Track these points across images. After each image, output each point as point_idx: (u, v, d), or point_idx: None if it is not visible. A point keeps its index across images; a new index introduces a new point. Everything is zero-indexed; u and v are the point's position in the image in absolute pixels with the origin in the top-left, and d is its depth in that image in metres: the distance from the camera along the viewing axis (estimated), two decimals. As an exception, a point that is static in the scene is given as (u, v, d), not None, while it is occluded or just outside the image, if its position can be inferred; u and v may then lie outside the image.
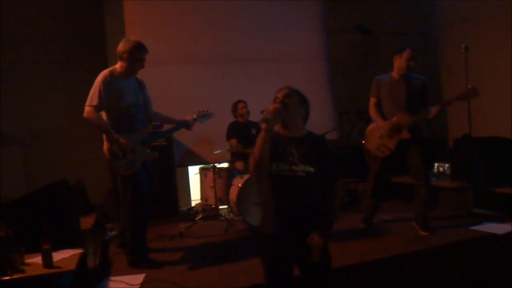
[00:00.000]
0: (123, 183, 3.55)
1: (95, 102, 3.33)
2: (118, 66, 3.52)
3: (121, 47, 3.48)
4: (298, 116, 2.47)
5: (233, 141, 5.33)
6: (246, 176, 4.63)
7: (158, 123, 5.34)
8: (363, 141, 4.31)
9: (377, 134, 4.11)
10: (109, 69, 3.50)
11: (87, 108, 3.36)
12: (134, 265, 3.57)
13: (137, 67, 3.53)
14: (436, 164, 5.30)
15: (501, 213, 4.39)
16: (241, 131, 5.41)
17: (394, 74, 4.10)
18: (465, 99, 3.92)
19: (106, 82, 3.36)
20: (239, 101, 5.51)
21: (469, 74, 4.96)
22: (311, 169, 2.35)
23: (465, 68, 4.96)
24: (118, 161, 3.42)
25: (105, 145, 3.44)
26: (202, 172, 5.50)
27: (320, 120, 6.34)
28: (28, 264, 2.82)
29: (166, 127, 4.45)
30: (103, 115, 3.49)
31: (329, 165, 2.43)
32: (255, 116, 5.57)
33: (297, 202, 2.36)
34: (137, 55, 3.46)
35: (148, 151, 3.64)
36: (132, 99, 3.52)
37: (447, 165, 5.18)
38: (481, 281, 3.59)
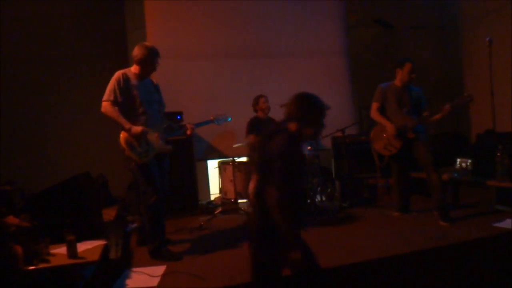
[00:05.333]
0: (137, 173, 3.68)
1: (110, 97, 3.61)
2: (133, 68, 3.77)
3: (135, 52, 3.71)
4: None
5: (252, 137, 5.35)
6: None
7: (178, 117, 5.41)
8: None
9: (383, 135, 4.54)
10: (124, 69, 3.76)
11: (103, 103, 3.63)
12: (154, 255, 3.64)
13: (149, 71, 3.79)
14: (458, 160, 5.21)
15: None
16: (261, 127, 5.41)
17: (397, 83, 4.55)
18: (461, 106, 4.46)
19: (119, 80, 3.64)
20: (260, 96, 5.50)
21: (493, 68, 4.87)
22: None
23: (489, 62, 4.87)
24: (133, 151, 3.60)
25: (121, 136, 3.62)
26: (221, 166, 5.53)
27: (340, 115, 6.30)
28: (53, 255, 2.91)
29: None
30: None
31: None
32: (275, 111, 5.57)
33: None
34: (149, 60, 3.71)
35: (163, 144, 3.76)
36: (144, 95, 3.73)
37: (469, 161, 5.08)
38: (503, 278, 3.53)
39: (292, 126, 2.32)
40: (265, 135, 2.37)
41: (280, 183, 2.14)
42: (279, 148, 2.21)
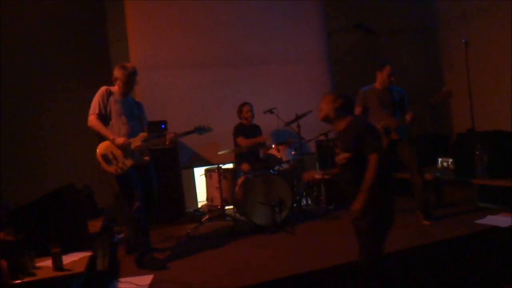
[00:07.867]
0: (115, 185, 3.81)
1: (95, 110, 3.82)
2: (115, 87, 3.97)
3: (115, 73, 3.93)
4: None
5: (241, 139, 5.36)
6: (251, 176, 4.67)
7: (162, 126, 5.43)
8: None
9: None
10: (108, 86, 3.97)
11: (90, 117, 3.84)
12: (140, 264, 3.65)
13: (130, 88, 3.98)
14: (440, 159, 5.31)
15: (505, 207, 4.40)
16: (246, 134, 5.46)
17: (378, 85, 4.60)
18: (440, 102, 4.38)
19: (103, 94, 3.86)
20: (244, 104, 5.53)
21: (470, 68, 4.99)
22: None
23: (465, 63, 4.99)
24: (109, 164, 3.76)
25: (98, 150, 3.79)
26: (207, 173, 5.55)
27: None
28: (39, 268, 2.89)
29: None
30: None
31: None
32: (259, 118, 5.61)
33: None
34: (128, 80, 3.89)
35: (139, 156, 3.90)
36: (126, 110, 3.93)
37: (450, 160, 5.19)
38: (485, 274, 3.60)
39: None
40: None
41: None
42: None
